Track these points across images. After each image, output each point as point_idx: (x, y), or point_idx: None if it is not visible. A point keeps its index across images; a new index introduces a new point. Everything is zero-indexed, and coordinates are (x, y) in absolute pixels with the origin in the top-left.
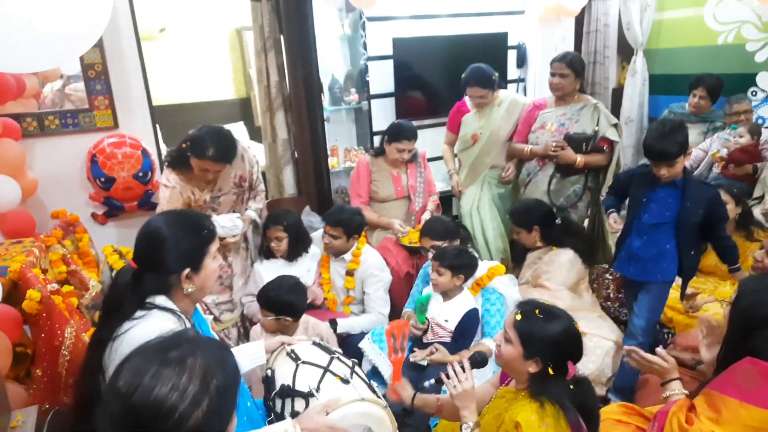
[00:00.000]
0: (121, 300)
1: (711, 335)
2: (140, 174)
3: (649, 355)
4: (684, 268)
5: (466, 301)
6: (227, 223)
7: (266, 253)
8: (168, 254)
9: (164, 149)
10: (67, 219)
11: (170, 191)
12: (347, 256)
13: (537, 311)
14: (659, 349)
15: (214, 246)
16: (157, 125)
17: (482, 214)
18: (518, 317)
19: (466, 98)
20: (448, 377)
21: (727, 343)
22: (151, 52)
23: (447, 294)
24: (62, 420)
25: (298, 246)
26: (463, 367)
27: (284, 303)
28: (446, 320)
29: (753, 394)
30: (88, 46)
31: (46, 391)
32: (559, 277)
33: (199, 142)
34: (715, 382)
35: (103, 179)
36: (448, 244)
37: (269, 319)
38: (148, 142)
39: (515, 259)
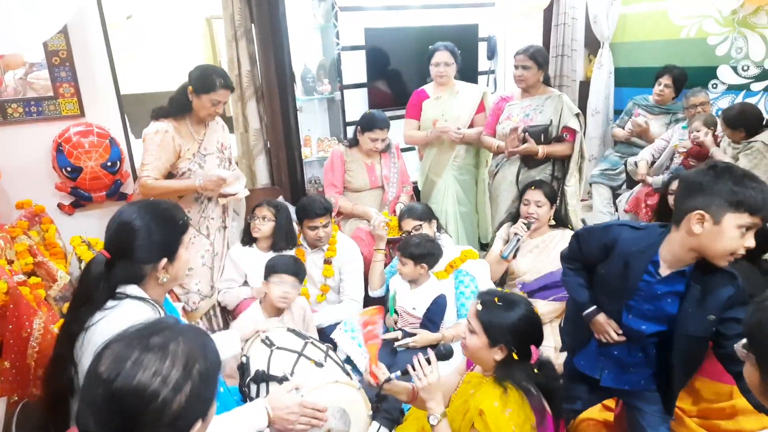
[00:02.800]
0: (92, 291)
1: None
2: (108, 164)
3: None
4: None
5: (433, 288)
6: (226, 173)
7: (246, 239)
8: (144, 244)
9: (133, 140)
10: (32, 209)
11: (162, 136)
12: (324, 246)
13: (497, 299)
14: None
15: (187, 236)
16: (126, 115)
17: (448, 207)
18: (479, 307)
19: (425, 87)
20: (414, 369)
21: None
22: (118, 39)
23: (415, 282)
24: (31, 412)
25: (286, 238)
26: (428, 360)
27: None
28: (414, 308)
29: (706, 367)
30: (53, 32)
31: (14, 383)
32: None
33: (204, 78)
34: None
35: (69, 169)
36: (428, 225)
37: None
38: (117, 132)
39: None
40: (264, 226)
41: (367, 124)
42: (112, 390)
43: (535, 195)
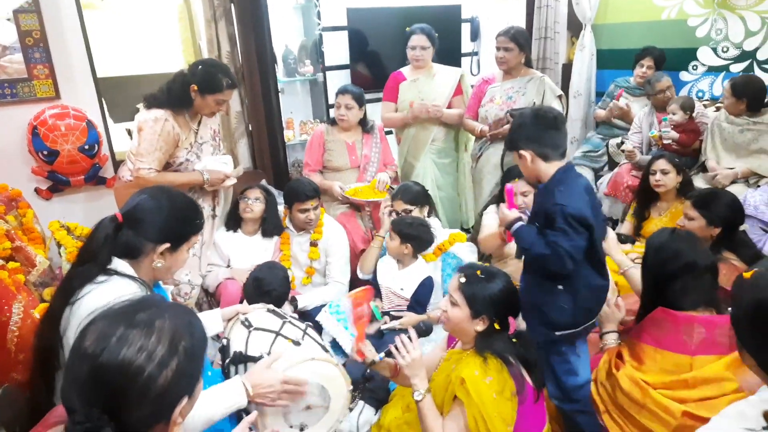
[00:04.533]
0: (98, 248)
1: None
2: (86, 147)
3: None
4: None
5: (420, 270)
6: (216, 164)
7: (232, 223)
8: (157, 222)
9: (111, 123)
10: (8, 194)
11: (162, 125)
12: (311, 229)
13: (479, 272)
14: (619, 299)
15: (195, 238)
16: (102, 98)
17: (431, 190)
18: (462, 280)
19: (402, 70)
20: (397, 349)
21: (644, 298)
22: (93, 21)
23: (402, 262)
24: (12, 396)
25: (273, 223)
26: (410, 337)
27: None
28: (401, 288)
29: (664, 340)
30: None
31: None
32: None
33: (210, 78)
34: (635, 331)
35: (45, 152)
36: (418, 211)
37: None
38: (94, 114)
39: None
40: (256, 206)
41: (337, 92)
42: (97, 365)
43: (520, 186)
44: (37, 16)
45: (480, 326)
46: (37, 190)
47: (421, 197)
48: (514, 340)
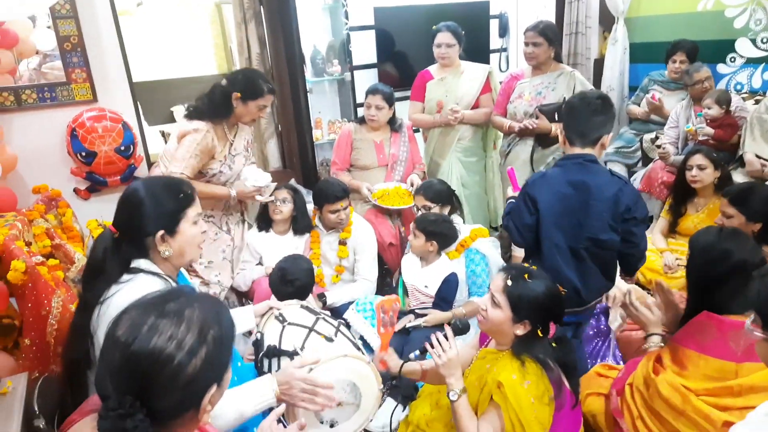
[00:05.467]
0: (102, 264)
1: (663, 298)
2: (122, 148)
3: (639, 305)
4: None
5: (444, 266)
6: (253, 174)
7: (263, 224)
8: (143, 216)
9: (146, 126)
10: (48, 194)
11: (203, 135)
12: (339, 227)
13: (526, 276)
14: (650, 300)
15: (193, 211)
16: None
17: (455, 189)
18: (509, 282)
19: (430, 68)
20: (432, 347)
21: (689, 301)
22: (129, 27)
23: (425, 260)
24: (52, 386)
25: (303, 221)
26: (446, 336)
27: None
28: (426, 286)
29: (709, 345)
30: None
31: (35, 360)
32: None
33: (252, 85)
34: (678, 335)
35: (84, 153)
36: (439, 209)
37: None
38: (129, 117)
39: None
40: (285, 207)
41: (367, 91)
42: (129, 353)
43: None
44: (75, 21)
45: (520, 330)
46: (75, 191)
47: (443, 196)
48: (553, 344)
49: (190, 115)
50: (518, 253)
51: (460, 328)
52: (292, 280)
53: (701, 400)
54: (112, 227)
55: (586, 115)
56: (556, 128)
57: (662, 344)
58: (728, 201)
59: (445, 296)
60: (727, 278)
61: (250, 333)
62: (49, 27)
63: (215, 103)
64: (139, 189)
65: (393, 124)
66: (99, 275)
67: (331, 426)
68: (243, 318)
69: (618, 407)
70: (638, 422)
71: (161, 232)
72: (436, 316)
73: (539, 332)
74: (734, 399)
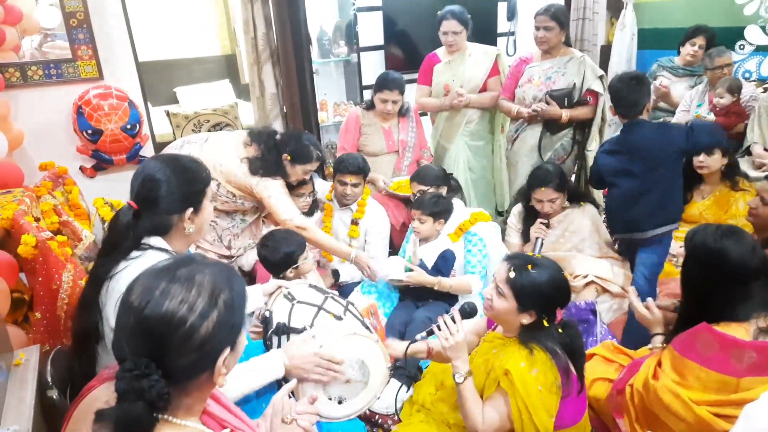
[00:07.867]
0: (120, 239)
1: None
2: (128, 126)
3: (638, 306)
4: None
5: (441, 243)
6: (395, 269)
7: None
8: (171, 195)
9: (150, 105)
10: (55, 171)
11: (282, 183)
12: (353, 206)
13: (530, 266)
14: (649, 300)
15: (210, 188)
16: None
17: (458, 174)
18: (512, 274)
19: (437, 51)
20: (439, 329)
21: (684, 307)
22: (132, 5)
23: (425, 239)
24: (64, 358)
25: (313, 206)
26: (453, 319)
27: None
28: (421, 259)
29: (711, 359)
30: None
31: (45, 333)
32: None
33: (302, 151)
34: (677, 342)
35: (90, 131)
36: (434, 190)
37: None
38: (135, 95)
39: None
40: (309, 199)
41: (378, 84)
42: (143, 317)
43: (546, 194)
44: None
45: (526, 320)
46: (82, 169)
47: (437, 177)
48: (559, 330)
49: (254, 172)
50: (514, 239)
51: (468, 312)
52: (276, 247)
53: (703, 410)
54: (132, 202)
55: (627, 91)
56: (566, 114)
57: (663, 345)
58: None
59: (440, 269)
60: (727, 284)
61: (252, 314)
62: (52, 5)
63: (270, 162)
64: (161, 170)
65: (400, 108)
66: (112, 250)
67: (339, 403)
68: (251, 296)
69: (618, 407)
70: (636, 425)
71: (190, 211)
72: (420, 276)
73: (545, 322)
74: (737, 408)
